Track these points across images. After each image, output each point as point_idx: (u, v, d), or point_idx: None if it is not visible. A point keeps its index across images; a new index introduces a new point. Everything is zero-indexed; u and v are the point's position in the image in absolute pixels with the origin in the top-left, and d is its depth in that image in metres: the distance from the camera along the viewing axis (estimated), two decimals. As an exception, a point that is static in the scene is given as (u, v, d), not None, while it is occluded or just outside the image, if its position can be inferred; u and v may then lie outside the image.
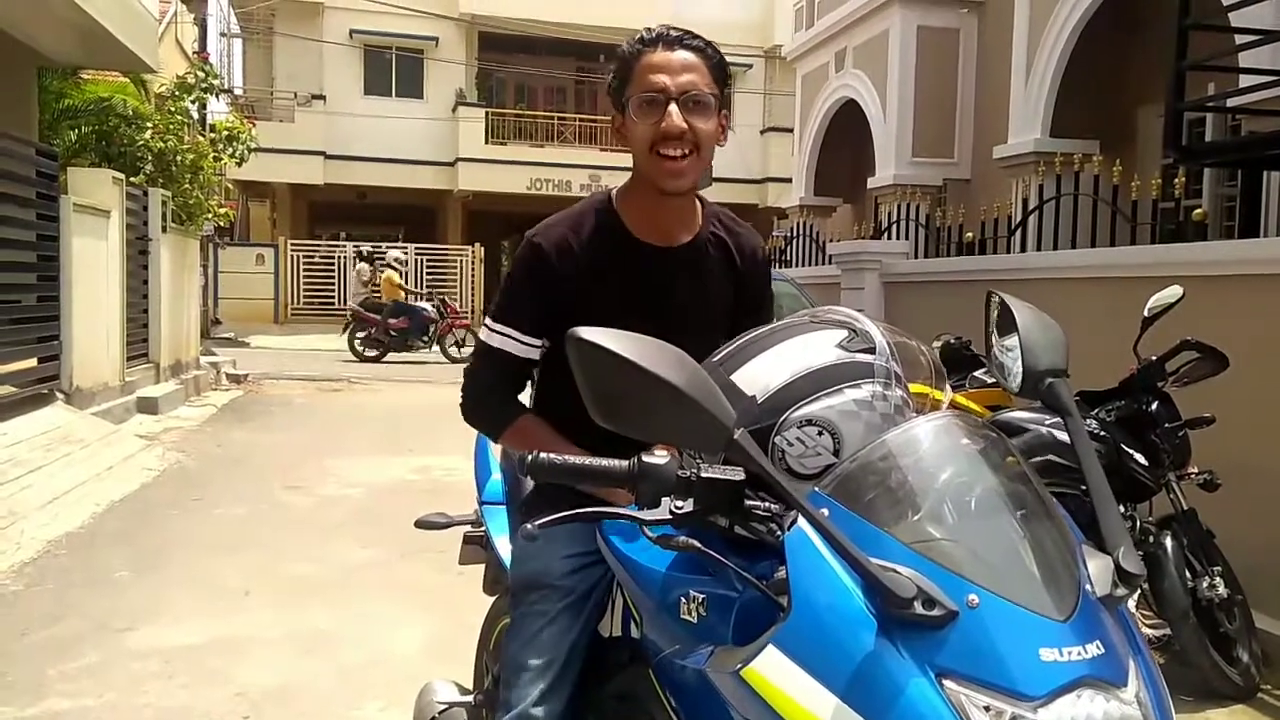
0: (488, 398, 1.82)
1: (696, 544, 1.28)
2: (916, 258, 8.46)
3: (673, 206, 1.77)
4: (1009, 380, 1.43)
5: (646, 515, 1.29)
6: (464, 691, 2.30)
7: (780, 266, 11.22)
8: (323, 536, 5.32)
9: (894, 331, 1.50)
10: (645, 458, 1.26)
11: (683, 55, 1.66)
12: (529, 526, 1.30)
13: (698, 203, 1.83)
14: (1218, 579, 3.51)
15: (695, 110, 1.65)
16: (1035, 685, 1.05)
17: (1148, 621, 3.57)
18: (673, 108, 1.64)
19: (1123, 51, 9.22)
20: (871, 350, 1.43)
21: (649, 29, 1.70)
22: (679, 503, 1.27)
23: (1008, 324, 1.44)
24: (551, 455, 1.31)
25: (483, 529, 2.31)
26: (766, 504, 1.30)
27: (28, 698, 3.23)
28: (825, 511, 1.18)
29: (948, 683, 1.07)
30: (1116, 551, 1.21)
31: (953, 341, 5.15)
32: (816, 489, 1.23)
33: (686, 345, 1.46)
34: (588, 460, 1.31)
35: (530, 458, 1.30)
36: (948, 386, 1.57)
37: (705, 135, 1.67)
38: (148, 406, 9.04)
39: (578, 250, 1.73)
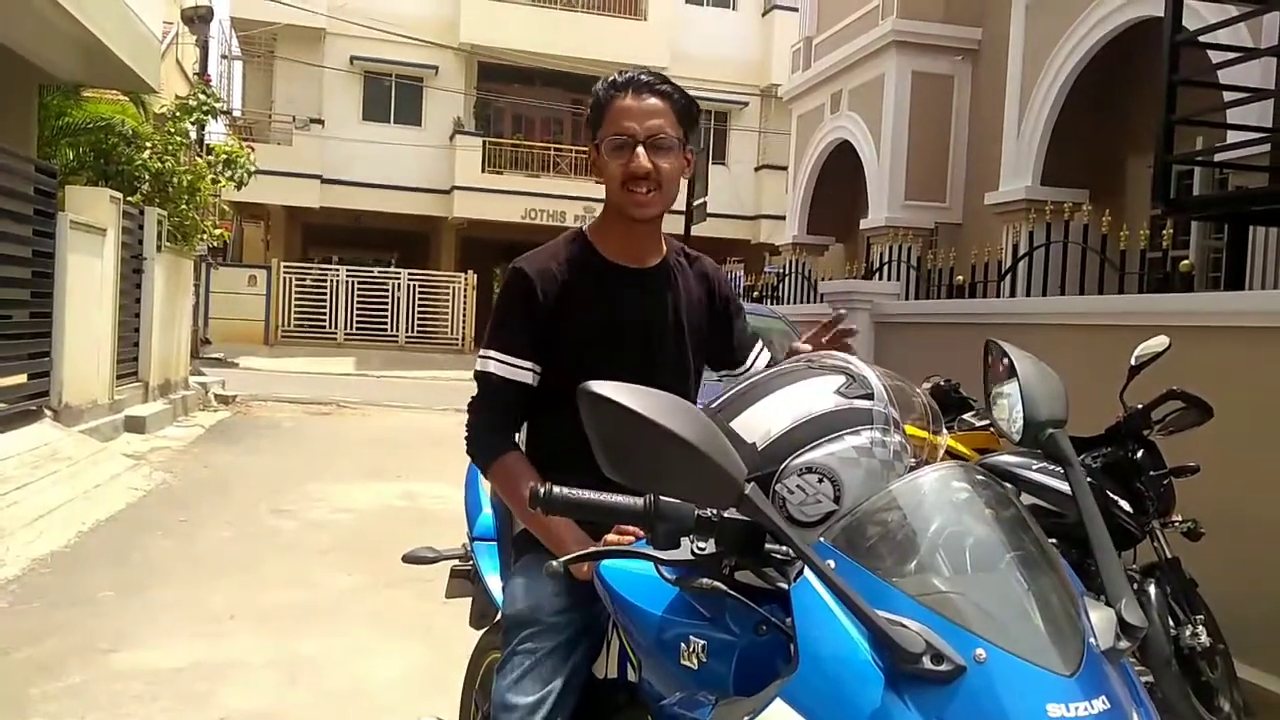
0: (481, 428, 1.86)
1: (722, 586, 1.26)
2: (907, 299, 8.54)
3: (641, 232, 1.92)
4: (1009, 430, 1.42)
5: (666, 555, 1.28)
6: None
7: (773, 303, 11.30)
8: (309, 562, 5.30)
9: (890, 375, 1.50)
10: (661, 498, 1.24)
11: (650, 102, 1.81)
12: (553, 564, 1.30)
13: (663, 236, 2.00)
14: (1200, 628, 3.52)
15: (660, 151, 1.81)
16: None
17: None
18: (640, 150, 1.79)
19: (1114, 104, 9.37)
20: (869, 396, 1.44)
21: (620, 73, 1.86)
22: (701, 543, 1.27)
23: (1008, 373, 1.44)
24: (563, 489, 1.29)
25: (470, 563, 2.30)
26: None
27: (9, 717, 3.21)
28: (831, 563, 1.17)
29: None
30: (1119, 604, 1.21)
31: (941, 383, 5.18)
32: (822, 539, 1.22)
33: (663, 356, 1.71)
34: (601, 496, 1.29)
35: (542, 490, 1.28)
36: (944, 430, 1.56)
37: (668, 173, 1.83)
38: (135, 425, 9.00)
39: (559, 274, 1.86)
